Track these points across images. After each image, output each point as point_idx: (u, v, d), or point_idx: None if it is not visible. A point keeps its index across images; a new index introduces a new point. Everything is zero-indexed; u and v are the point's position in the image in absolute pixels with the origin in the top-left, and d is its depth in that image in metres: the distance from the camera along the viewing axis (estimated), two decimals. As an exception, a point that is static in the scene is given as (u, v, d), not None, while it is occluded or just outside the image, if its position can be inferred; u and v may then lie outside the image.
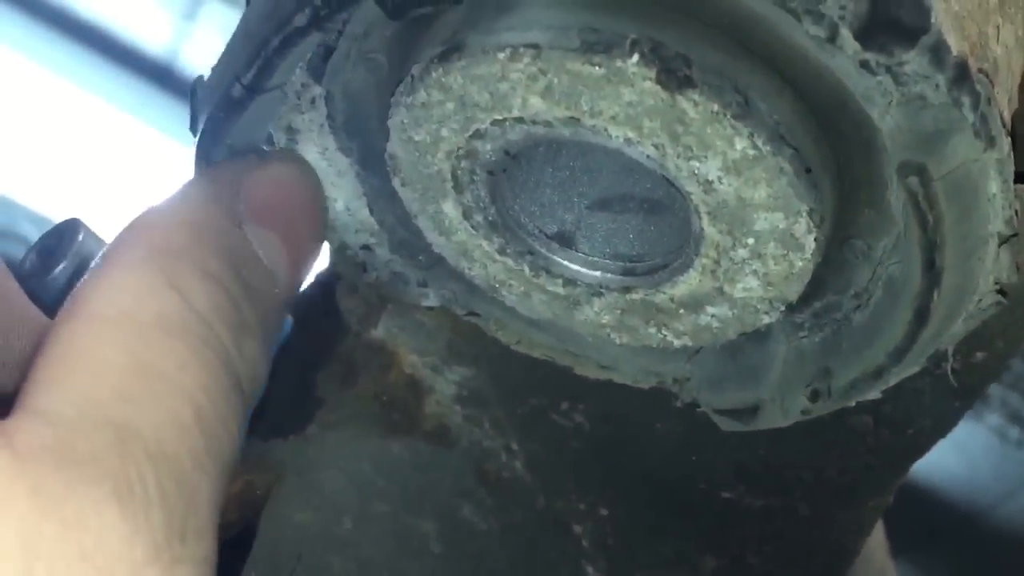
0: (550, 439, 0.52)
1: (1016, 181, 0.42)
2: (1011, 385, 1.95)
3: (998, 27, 0.38)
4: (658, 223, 0.43)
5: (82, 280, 0.38)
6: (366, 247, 0.47)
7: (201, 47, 2.02)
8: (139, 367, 0.35)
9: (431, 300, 0.47)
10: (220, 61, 0.43)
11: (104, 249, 0.40)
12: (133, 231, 0.40)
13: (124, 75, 2.14)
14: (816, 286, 0.42)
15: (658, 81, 0.36)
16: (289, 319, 0.52)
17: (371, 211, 0.45)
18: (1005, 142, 0.37)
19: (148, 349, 0.36)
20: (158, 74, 2.06)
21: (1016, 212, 0.39)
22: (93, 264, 0.39)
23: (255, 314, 0.40)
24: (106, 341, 0.36)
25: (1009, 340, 0.46)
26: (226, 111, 0.42)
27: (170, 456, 0.34)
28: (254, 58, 0.41)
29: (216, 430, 0.36)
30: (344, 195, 0.46)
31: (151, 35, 2.19)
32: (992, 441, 2.00)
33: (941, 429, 0.49)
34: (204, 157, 0.44)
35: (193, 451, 0.35)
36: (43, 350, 0.36)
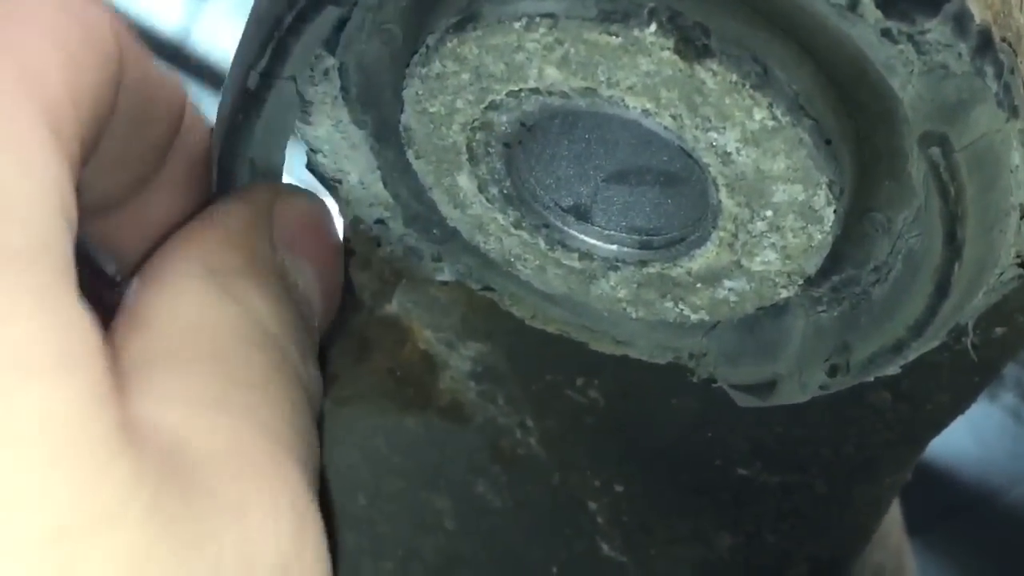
0: (565, 415, 0.52)
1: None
2: (1026, 365, 1.94)
3: None
4: (675, 196, 0.42)
5: (131, 295, 0.37)
6: (380, 221, 0.46)
7: (212, 27, 2.01)
8: (230, 379, 0.34)
9: (446, 274, 0.47)
10: (232, 61, 0.43)
11: (146, 266, 0.38)
12: (179, 249, 0.39)
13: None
14: (835, 260, 0.42)
15: (676, 51, 0.36)
16: None
17: (385, 184, 0.45)
18: None
19: (233, 362, 0.35)
20: (169, 54, 2.05)
21: None
22: (135, 282, 0.38)
23: (309, 336, 0.39)
24: (189, 357, 0.35)
25: (1030, 315, 0.45)
26: (244, 109, 0.42)
27: (271, 474, 0.33)
28: (267, 40, 0.40)
29: (303, 449, 0.35)
30: (358, 168, 0.45)
31: (162, 15, 2.18)
32: (1006, 421, 2.00)
33: (960, 404, 0.48)
34: (225, 172, 0.43)
35: (281, 463, 0.34)
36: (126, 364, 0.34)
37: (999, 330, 0.45)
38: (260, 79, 0.41)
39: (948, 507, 2.06)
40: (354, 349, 0.51)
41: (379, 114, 0.43)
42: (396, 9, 0.40)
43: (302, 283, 0.41)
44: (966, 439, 1.87)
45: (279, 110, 0.43)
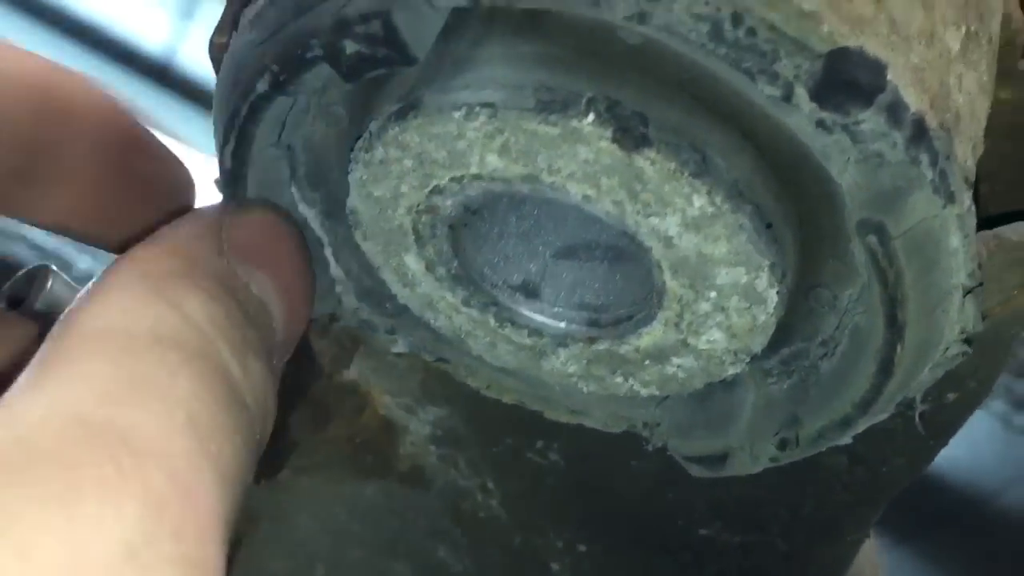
0: (526, 477, 0.52)
1: (986, 226, 0.42)
2: (1016, 372, 1.95)
3: (960, 76, 0.38)
4: (623, 272, 0.42)
5: (71, 304, 0.38)
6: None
7: (199, 46, 2.02)
8: (127, 376, 0.34)
9: (400, 346, 0.47)
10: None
11: (92, 280, 0.39)
12: (123, 261, 0.39)
13: (121, 73, 2.14)
14: (784, 333, 0.42)
15: (614, 140, 0.36)
16: None
17: (336, 260, 0.45)
18: (966, 196, 0.37)
19: (137, 359, 0.35)
20: (156, 73, 2.05)
21: (979, 264, 0.38)
22: (81, 293, 0.39)
23: (256, 335, 0.39)
24: (93, 352, 0.35)
25: (981, 380, 0.45)
26: (229, 185, 0.42)
27: (158, 452, 0.33)
28: (229, 129, 0.40)
29: (214, 436, 0.35)
30: (311, 243, 0.45)
31: (148, 34, 2.18)
32: (996, 428, 2.00)
33: (917, 466, 0.49)
34: None
35: (187, 451, 0.33)
36: (27, 368, 0.35)
37: (951, 395, 0.45)
38: (232, 160, 0.42)
39: (939, 513, 2.07)
40: (313, 416, 0.51)
41: (328, 192, 0.43)
42: (341, 92, 0.40)
43: (257, 289, 0.41)
44: (957, 445, 1.87)
45: (265, 175, 0.43)
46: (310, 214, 0.44)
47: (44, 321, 0.46)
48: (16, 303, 0.48)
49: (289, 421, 0.51)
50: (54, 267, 0.49)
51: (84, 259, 1.42)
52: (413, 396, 0.51)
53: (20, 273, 0.49)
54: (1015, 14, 0.41)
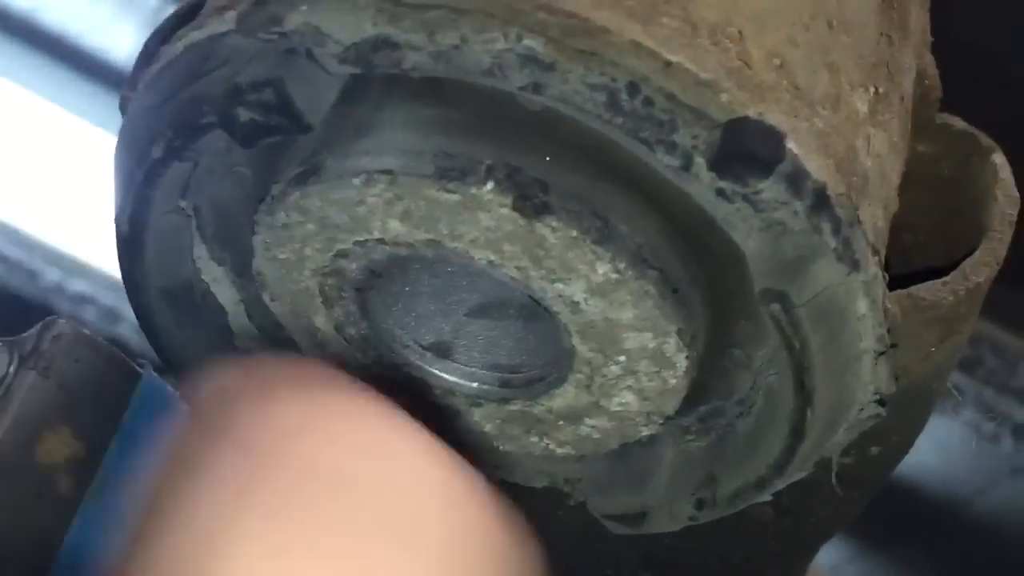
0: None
1: (909, 280, 0.41)
2: (985, 380, 1.94)
3: (869, 137, 0.37)
4: (537, 331, 0.42)
5: None
6: (248, 352, 0.46)
7: (164, 56, 2.00)
8: None
9: None
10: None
11: None
12: None
13: (87, 84, 2.13)
14: (700, 391, 0.41)
15: (515, 208, 0.35)
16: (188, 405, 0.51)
17: (249, 317, 0.44)
18: (872, 262, 0.36)
19: None
20: (123, 84, 2.04)
21: (888, 329, 0.38)
22: None
23: None
24: None
25: (904, 434, 0.45)
26: (127, 252, 0.42)
27: None
28: (127, 195, 0.40)
29: None
30: (226, 300, 0.44)
31: (114, 45, 2.18)
32: (967, 435, 2.00)
33: (845, 516, 0.48)
34: (139, 306, 0.43)
35: None
36: None
37: (875, 449, 0.45)
38: (129, 226, 0.41)
39: (911, 521, 2.07)
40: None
41: (238, 251, 0.42)
42: (245, 153, 0.40)
43: None
44: (929, 454, 1.87)
45: (165, 241, 0.42)
46: (219, 273, 0.43)
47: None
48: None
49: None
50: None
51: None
52: None
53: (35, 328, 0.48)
54: (928, 70, 0.41)
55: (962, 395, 1.92)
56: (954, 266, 0.42)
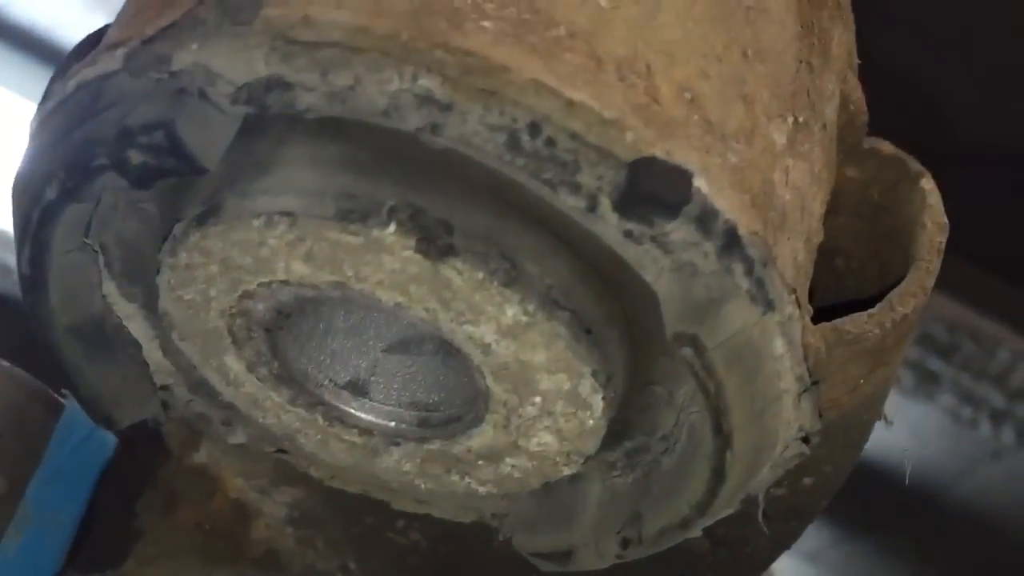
0: (388, 556, 0.50)
1: (840, 310, 0.40)
2: (962, 366, 1.94)
3: (787, 169, 0.36)
4: (456, 367, 0.40)
5: None
6: (165, 387, 0.44)
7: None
8: None
9: (238, 437, 0.45)
10: None
11: None
12: None
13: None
14: (624, 426, 0.40)
15: (418, 250, 0.34)
16: (112, 437, 0.50)
17: (164, 353, 0.43)
18: (787, 301, 0.35)
19: None
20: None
21: (810, 367, 0.37)
22: None
23: None
24: None
25: (837, 465, 0.44)
26: (30, 291, 0.41)
27: None
28: (24, 237, 0.38)
29: None
30: (140, 336, 0.43)
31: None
32: (945, 421, 2.00)
33: (781, 545, 0.47)
34: (47, 346, 0.42)
35: None
36: None
37: (808, 480, 0.44)
38: (30, 267, 0.40)
39: (891, 507, 2.07)
40: (161, 502, 0.49)
41: (148, 286, 0.41)
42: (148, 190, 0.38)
43: None
44: (907, 440, 1.87)
45: (70, 279, 0.41)
46: (131, 309, 0.42)
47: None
48: None
49: (135, 508, 0.49)
50: None
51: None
52: (267, 477, 0.49)
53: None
54: (853, 95, 0.40)
55: (939, 381, 1.92)
56: (885, 293, 0.40)
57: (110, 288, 0.41)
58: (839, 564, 2.14)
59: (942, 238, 0.40)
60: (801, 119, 0.37)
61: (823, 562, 2.10)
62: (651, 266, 0.34)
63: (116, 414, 0.45)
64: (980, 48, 1.33)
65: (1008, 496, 2.03)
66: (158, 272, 0.38)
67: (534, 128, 0.32)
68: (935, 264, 0.40)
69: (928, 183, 0.41)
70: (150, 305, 0.42)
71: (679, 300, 0.34)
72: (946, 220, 0.40)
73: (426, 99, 0.32)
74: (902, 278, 0.41)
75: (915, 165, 0.41)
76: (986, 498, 2.00)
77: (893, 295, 0.39)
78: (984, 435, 1.91)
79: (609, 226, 0.33)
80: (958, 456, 1.96)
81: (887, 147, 0.42)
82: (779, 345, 0.35)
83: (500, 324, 0.35)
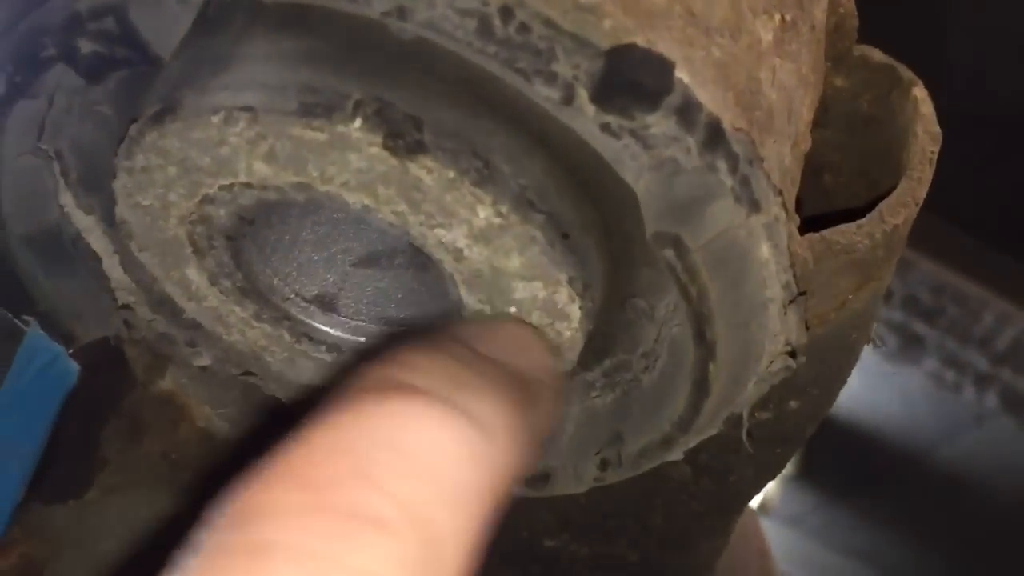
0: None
1: (830, 222, 0.39)
2: (946, 330, 1.94)
3: (774, 69, 0.34)
4: (426, 282, 0.39)
5: None
6: (126, 306, 0.43)
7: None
8: None
9: (204, 359, 0.44)
10: None
11: None
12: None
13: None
14: (605, 343, 0.39)
15: (385, 147, 0.32)
16: (75, 364, 0.48)
17: (124, 269, 0.41)
18: (774, 203, 0.33)
19: None
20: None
21: (797, 276, 0.35)
22: None
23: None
24: None
25: (824, 386, 0.42)
26: None
27: None
28: None
29: None
30: (100, 251, 0.42)
31: None
32: (929, 385, 1.99)
33: (767, 473, 0.46)
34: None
35: None
36: None
37: (793, 403, 0.42)
38: None
39: (875, 471, 2.07)
40: (126, 431, 0.47)
41: (107, 197, 0.39)
42: (105, 90, 0.37)
43: None
44: (892, 403, 1.87)
45: (24, 185, 0.39)
46: (88, 222, 0.40)
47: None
48: None
49: (100, 436, 0.47)
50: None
51: None
52: (237, 405, 0.48)
53: None
54: (843, -3, 0.38)
55: (923, 344, 1.91)
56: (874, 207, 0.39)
57: (67, 199, 0.40)
58: (821, 528, 2.13)
59: (935, 148, 0.38)
60: (788, 18, 0.35)
61: (805, 526, 2.10)
62: (630, 164, 0.32)
63: (76, 330, 0.43)
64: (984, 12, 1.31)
65: (991, 460, 2.02)
66: (115, 177, 0.36)
67: (506, 12, 0.30)
68: (927, 174, 0.38)
69: (920, 91, 0.39)
70: (109, 218, 0.40)
71: (660, 199, 0.33)
72: (939, 129, 0.39)
73: None
74: (892, 192, 0.39)
75: (907, 73, 0.40)
76: (969, 462, 2.00)
77: (883, 205, 0.38)
78: (968, 399, 1.90)
79: (586, 119, 0.31)
80: (942, 420, 1.96)
81: (877, 55, 0.40)
82: (765, 249, 0.34)
83: (472, 227, 0.33)
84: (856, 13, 0.39)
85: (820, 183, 0.42)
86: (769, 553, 0.73)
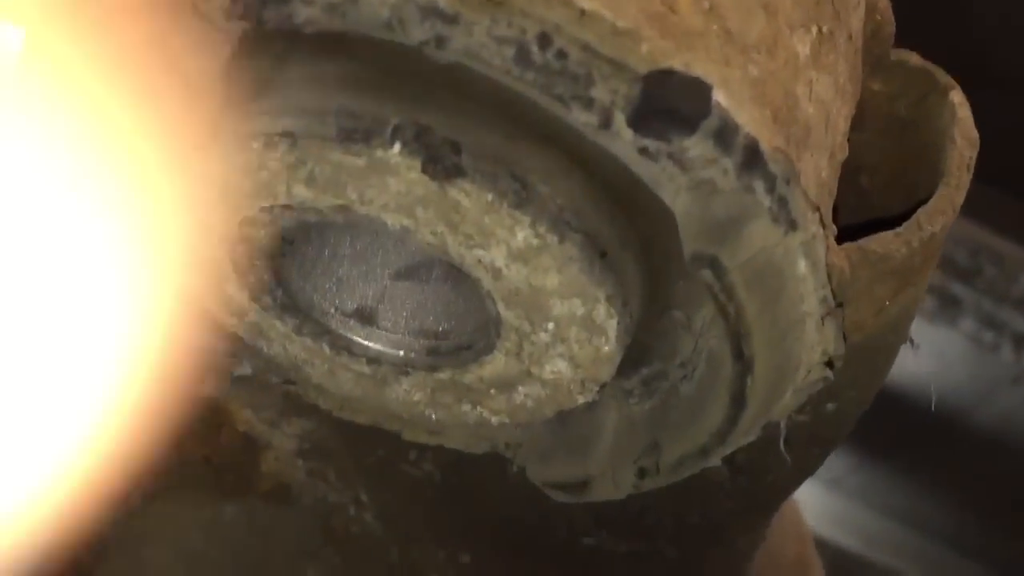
0: (402, 488, 0.49)
1: (867, 230, 0.39)
2: (984, 291, 1.93)
3: (811, 82, 0.34)
4: (466, 293, 0.39)
5: None
6: None
7: None
8: None
9: (244, 368, 0.44)
10: None
11: None
12: None
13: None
14: (642, 353, 0.39)
15: (424, 171, 0.32)
16: None
17: None
18: (811, 220, 0.33)
19: None
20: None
21: (834, 289, 0.35)
22: None
23: None
24: None
25: (861, 390, 0.42)
26: None
27: None
28: None
29: None
30: None
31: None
32: (967, 346, 1.98)
33: (803, 472, 0.46)
34: None
35: None
36: None
37: (831, 406, 0.43)
38: None
39: (912, 432, 2.06)
40: (167, 436, 0.48)
41: None
42: None
43: None
44: (928, 364, 1.86)
45: None
46: None
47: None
48: None
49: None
50: None
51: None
52: (276, 409, 0.48)
53: None
54: (880, 3, 0.38)
55: (960, 305, 1.90)
56: (912, 211, 0.39)
57: None
58: (858, 489, 2.13)
59: (972, 153, 0.38)
60: (825, 29, 0.35)
61: (843, 487, 2.10)
62: (668, 185, 0.32)
63: None
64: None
65: (1029, 421, 2.01)
66: None
67: (544, 40, 0.30)
68: (965, 181, 0.38)
69: (958, 96, 0.39)
70: None
71: (698, 220, 0.33)
72: (976, 135, 0.38)
73: (430, 10, 0.31)
74: (930, 196, 0.39)
75: (944, 77, 0.39)
76: (1007, 423, 1.99)
77: (921, 213, 0.37)
78: (1006, 359, 1.89)
79: (624, 143, 0.31)
80: (979, 381, 1.95)
81: (915, 59, 0.40)
82: (802, 266, 0.34)
83: (511, 247, 0.34)
84: (893, 20, 0.39)
85: (857, 185, 0.42)
86: (809, 538, 0.73)
